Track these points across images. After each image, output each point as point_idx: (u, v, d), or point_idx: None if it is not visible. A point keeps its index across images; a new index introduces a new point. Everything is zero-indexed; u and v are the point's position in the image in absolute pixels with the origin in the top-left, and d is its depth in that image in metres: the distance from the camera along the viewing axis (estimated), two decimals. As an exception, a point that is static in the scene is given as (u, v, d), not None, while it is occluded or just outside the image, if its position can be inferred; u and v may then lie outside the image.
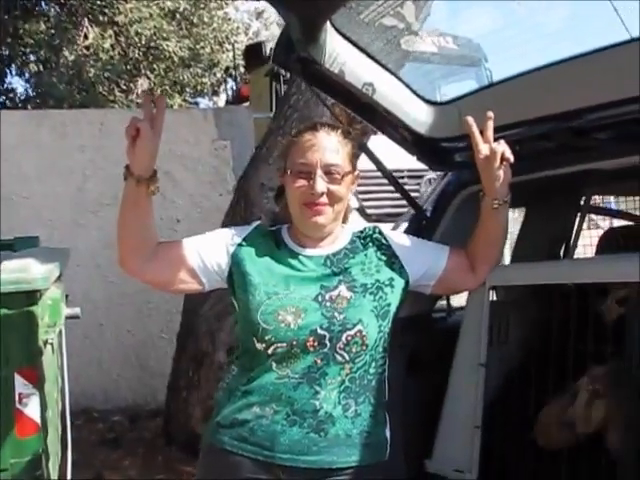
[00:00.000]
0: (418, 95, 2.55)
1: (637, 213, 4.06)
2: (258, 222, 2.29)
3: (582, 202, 3.35)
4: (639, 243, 2.59)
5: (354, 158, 2.17)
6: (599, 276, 2.15)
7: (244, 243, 2.17)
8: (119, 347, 6.11)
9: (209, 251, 2.15)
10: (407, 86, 2.53)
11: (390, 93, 2.47)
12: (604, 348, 2.14)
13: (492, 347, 2.39)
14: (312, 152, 2.10)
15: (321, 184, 2.08)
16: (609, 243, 3.21)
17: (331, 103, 2.72)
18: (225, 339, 4.72)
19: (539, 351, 2.35)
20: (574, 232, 3.37)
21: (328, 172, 2.09)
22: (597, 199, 4.15)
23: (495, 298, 2.45)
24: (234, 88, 11.69)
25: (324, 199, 2.09)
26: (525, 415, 2.32)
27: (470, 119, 2.14)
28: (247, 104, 9.26)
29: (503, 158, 2.14)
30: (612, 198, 4.53)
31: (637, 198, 3.96)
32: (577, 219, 3.33)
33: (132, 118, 1.99)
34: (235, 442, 2.05)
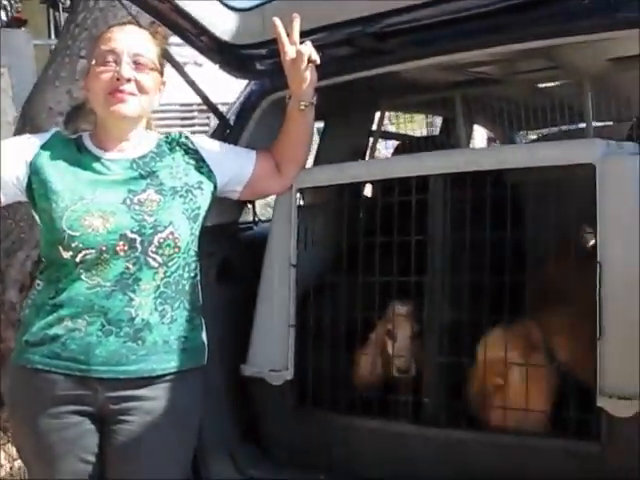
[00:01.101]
0: (221, 1, 2.50)
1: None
2: (56, 129, 2.17)
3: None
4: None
5: (161, 65, 2.12)
6: (403, 171, 2.25)
7: (43, 150, 2.05)
8: None
9: (4, 162, 2.01)
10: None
11: (192, -1, 2.41)
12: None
13: (302, 248, 2.44)
14: (120, 41, 2.04)
15: (127, 69, 2.01)
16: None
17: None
18: (16, 276, 4.45)
19: (348, 250, 2.43)
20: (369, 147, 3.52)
21: (136, 62, 2.03)
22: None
23: (303, 201, 2.51)
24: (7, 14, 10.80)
25: (130, 87, 2.02)
26: (337, 313, 2.40)
27: (277, 20, 2.15)
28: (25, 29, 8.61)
29: (310, 60, 2.18)
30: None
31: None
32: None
33: None
34: (47, 359, 1.95)
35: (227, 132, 2.71)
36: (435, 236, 2.19)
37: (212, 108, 2.74)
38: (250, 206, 2.80)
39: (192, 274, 2.09)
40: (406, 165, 2.28)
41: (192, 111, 6.57)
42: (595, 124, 3.14)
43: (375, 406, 2.30)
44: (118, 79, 2.00)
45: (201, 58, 2.80)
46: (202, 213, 2.11)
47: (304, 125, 2.28)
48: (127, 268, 1.96)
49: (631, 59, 2.86)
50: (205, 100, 2.71)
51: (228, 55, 2.61)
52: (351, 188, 2.39)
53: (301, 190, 2.45)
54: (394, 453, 2.26)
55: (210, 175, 2.16)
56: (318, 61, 2.21)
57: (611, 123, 3.36)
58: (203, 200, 2.12)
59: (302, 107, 2.23)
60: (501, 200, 2.12)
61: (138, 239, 1.96)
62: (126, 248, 1.95)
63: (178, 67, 2.57)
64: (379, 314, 2.34)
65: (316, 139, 3.36)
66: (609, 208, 1.93)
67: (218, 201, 2.48)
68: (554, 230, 2.07)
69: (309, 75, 2.20)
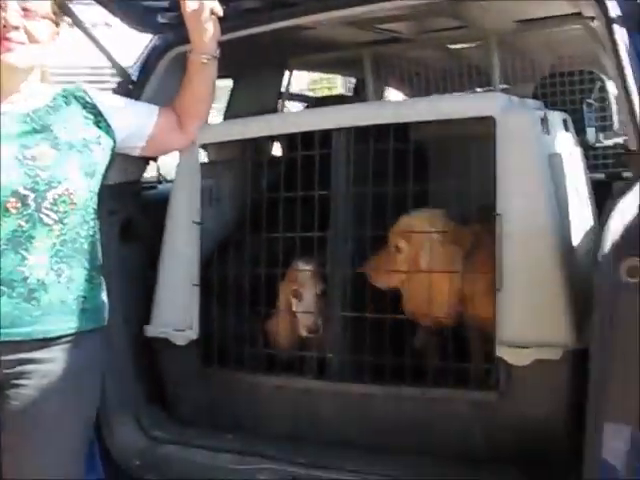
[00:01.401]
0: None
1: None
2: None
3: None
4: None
5: (56, 14, 2.02)
6: (306, 126, 2.22)
7: None
8: None
9: None
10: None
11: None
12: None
13: (206, 205, 2.40)
14: None
15: (15, 16, 1.91)
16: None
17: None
18: None
19: (252, 207, 2.39)
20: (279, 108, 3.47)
21: (25, 9, 1.93)
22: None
23: (207, 158, 2.45)
24: None
25: (18, 36, 1.92)
26: (241, 271, 2.37)
27: None
28: None
29: (212, 12, 2.15)
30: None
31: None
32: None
33: None
34: None
35: (129, 87, 2.62)
36: (338, 191, 2.17)
37: (114, 63, 2.64)
38: (154, 164, 2.73)
39: (91, 232, 2.02)
40: (309, 119, 2.25)
41: (104, 74, 6.35)
42: (503, 86, 3.17)
43: (281, 363, 2.29)
44: (5, 26, 1.90)
45: (111, 19, 2.71)
46: (100, 169, 2.04)
47: (206, 79, 2.24)
48: (19, 226, 1.87)
49: (537, 21, 2.91)
50: (108, 56, 2.62)
51: (128, 7, 2.52)
52: (255, 144, 2.34)
53: (204, 146, 2.40)
54: (300, 409, 2.26)
55: (109, 130, 2.09)
56: (221, 13, 2.16)
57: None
58: (102, 156, 2.05)
59: (204, 61, 2.20)
60: (405, 154, 2.11)
61: (31, 195, 1.87)
62: (18, 205, 1.87)
63: (79, 24, 2.48)
64: (283, 271, 2.32)
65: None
66: (508, 161, 1.94)
67: (120, 158, 2.41)
68: (456, 184, 2.07)
69: (211, 27, 2.16)
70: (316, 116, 2.29)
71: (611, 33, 1.85)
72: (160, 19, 2.57)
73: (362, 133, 2.13)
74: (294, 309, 2.33)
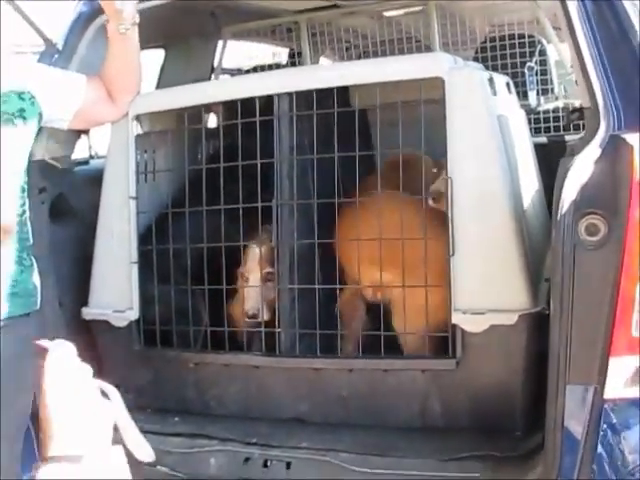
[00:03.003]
0: None
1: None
2: None
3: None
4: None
5: None
6: (245, 92, 2.12)
7: None
8: None
9: None
10: None
11: None
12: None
13: (142, 179, 2.28)
14: None
15: None
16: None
17: None
18: None
19: (191, 179, 2.29)
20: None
21: None
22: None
23: (141, 129, 2.33)
24: None
25: None
26: (181, 248, 2.26)
27: None
28: None
29: None
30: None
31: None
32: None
33: None
34: None
35: (55, 57, 2.48)
36: (282, 159, 2.08)
37: (38, 31, 2.49)
38: (86, 138, 2.60)
39: (19, 211, 1.89)
40: (248, 85, 2.14)
41: (22, 45, 6.11)
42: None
43: (227, 341, 2.20)
44: None
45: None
46: (26, 144, 1.91)
47: (128, 50, 2.12)
48: None
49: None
50: (31, 24, 2.47)
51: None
52: (192, 112, 2.22)
53: (138, 117, 2.27)
54: (250, 387, 2.18)
55: (33, 102, 1.95)
56: None
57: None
58: (26, 130, 1.91)
59: (122, 30, 2.07)
60: (349, 119, 2.03)
61: None
62: None
63: None
64: (227, 245, 2.21)
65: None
66: (458, 122, 1.89)
67: (48, 133, 2.28)
68: (403, 149, 2.01)
69: None
70: (256, 81, 2.19)
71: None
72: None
73: (305, 97, 2.04)
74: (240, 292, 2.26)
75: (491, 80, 2.02)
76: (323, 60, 3.78)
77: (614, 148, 1.59)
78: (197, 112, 2.27)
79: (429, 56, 2.21)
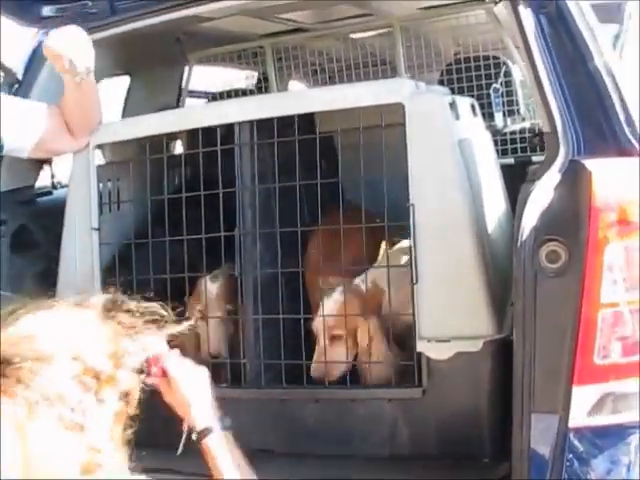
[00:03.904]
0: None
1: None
2: None
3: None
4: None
5: None
6: (206, 121, 2.09)
7: None
8: None
9: None
10: None
11: None
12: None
13: (104, 210, 2.24)
14: None
15: None
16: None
17: None
18: None
19: (155, 209, 2.25)
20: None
21: None
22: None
23: (103, 159, 2.30)
24: None
25: None
26: (145, 278, 2.22)
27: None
28: None
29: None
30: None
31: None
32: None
33: None
34: None
35: (15, 87, 2.45)
36: (244, 187, 2.05)
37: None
38: (48, 168, 2.56)
39: None
40: (208, 114, 2.11)
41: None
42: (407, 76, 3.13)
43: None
44: None
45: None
46: None
47: (84, 93, 2.10)
48: None
49: (440, 8, 2.87)
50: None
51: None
52: (154, 142, 2.19)
53: (100, 146, 2.24)
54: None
55: None
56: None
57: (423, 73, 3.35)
58: None
59: (77, 80, 2.04)
60: (312, 147, 2.01)
61: None
62: None
63: None
64: (190, 275, 2.18)
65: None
66: (419, 147, 1.87)
67: (9, 163, 2.25)
68: (365, 176, 1.99)
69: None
70: (216, 110, 2.16)
71: (517, 15, 1.80)
72: (44, 12, 2.41)
73: (266, 126, 2.02)
74: (198, 332, 2.23)
75: (453, 104, 2.00)
76: (292, 84, 3.77)
77: (573, 173, 1.58)
78: (160, 141, 2.24)
79: (389, 82, 2.20)
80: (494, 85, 2.65)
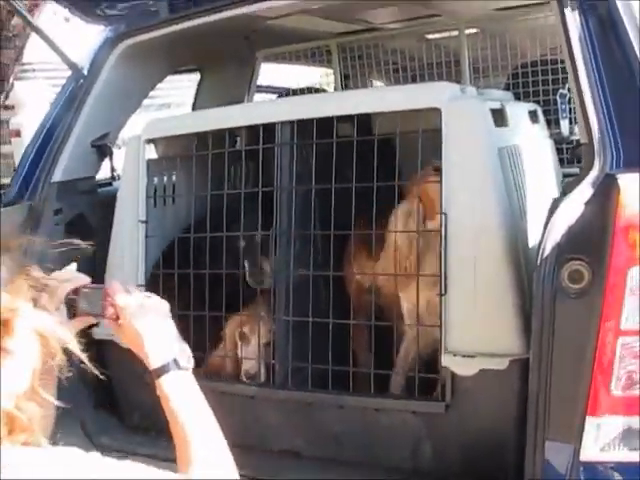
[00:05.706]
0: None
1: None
2: None
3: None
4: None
5: None
6: (250, 119, 2.09)
7: None
8: None
9: None
10: None
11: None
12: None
13: (153, 204, 2.29)
14: None
15: None
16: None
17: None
18: None
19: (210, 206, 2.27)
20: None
21: None
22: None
23: (156, 154, 2.34)
24: None
25: None
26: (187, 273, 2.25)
27: None
28: None
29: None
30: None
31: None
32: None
33: None
34: None
35: (81, 82, 2.52)
36: (282, 188, 2.04)
37: (62, 56, 2.54)
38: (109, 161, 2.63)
39: None
40: (252, 113, 2.12)
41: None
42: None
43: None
44: None
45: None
46: None
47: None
48: None
49: (515, 9, 2.78)
50: (57, 51, 2.53)
51: (76, -2, 2.41)
52: (202, 138, 2.21)
53: (152, 141, 2.28)
54: (246, 417, 2.14)
55: None
56: None
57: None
58: None
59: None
60: (370, 148, 1.97)
61: None
62: None
63: (28, 22, 2.43)
64: (228, 272, 2.19)
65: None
66: (454, 154, 1.80)
67: (71, 152, 2.33)
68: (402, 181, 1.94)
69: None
70: (258, 109, 2.16)
71: (562, 14, 1.71)
72: (109, 10, 2.47)
73: (306, 127, 1.99)
74: (238, 352, 2.25)
75: (499, 110, 1.93)
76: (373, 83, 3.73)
77: (606, 188, 1.48)
78: (208, 136, 2.25)
79: (429, 86, 2.14)
80: (561, 90, 2.52)
